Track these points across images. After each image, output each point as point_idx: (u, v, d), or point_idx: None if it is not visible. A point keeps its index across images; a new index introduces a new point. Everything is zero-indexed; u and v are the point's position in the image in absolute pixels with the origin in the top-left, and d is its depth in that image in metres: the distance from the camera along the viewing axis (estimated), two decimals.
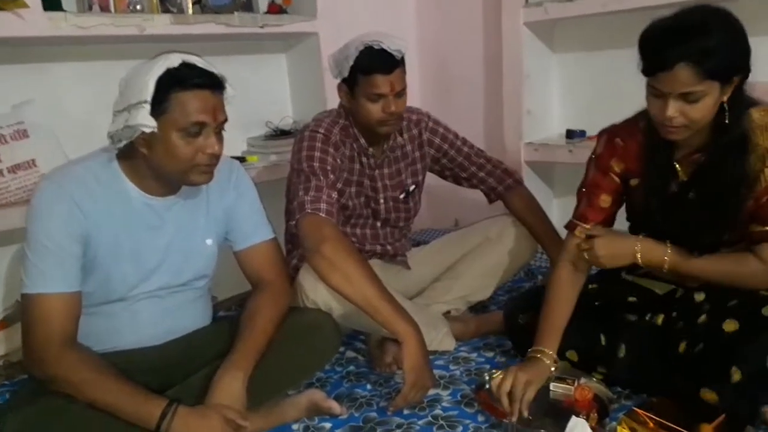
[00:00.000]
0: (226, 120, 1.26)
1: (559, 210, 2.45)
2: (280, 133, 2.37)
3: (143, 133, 1.19)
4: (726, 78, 1.19)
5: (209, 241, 1.40)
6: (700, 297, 1.39)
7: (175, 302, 1.38)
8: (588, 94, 2.41)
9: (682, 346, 1.33)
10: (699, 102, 1.19)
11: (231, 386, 1.24)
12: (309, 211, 1.51)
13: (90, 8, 1.85)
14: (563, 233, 1.85)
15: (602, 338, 1.45)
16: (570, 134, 2.35)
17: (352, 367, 1.66)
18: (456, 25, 2.65)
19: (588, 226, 1.45)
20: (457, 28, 2.64)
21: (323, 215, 1.50)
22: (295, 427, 1.38)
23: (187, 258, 1.37)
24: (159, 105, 1.18)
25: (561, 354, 1.46)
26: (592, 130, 2.31)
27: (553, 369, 1.38)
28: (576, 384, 1.43)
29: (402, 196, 1.82)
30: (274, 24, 2.18)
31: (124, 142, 1.21)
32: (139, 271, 1.30)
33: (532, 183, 2.30)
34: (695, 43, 1.15)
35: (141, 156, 1.24)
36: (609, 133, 1.47)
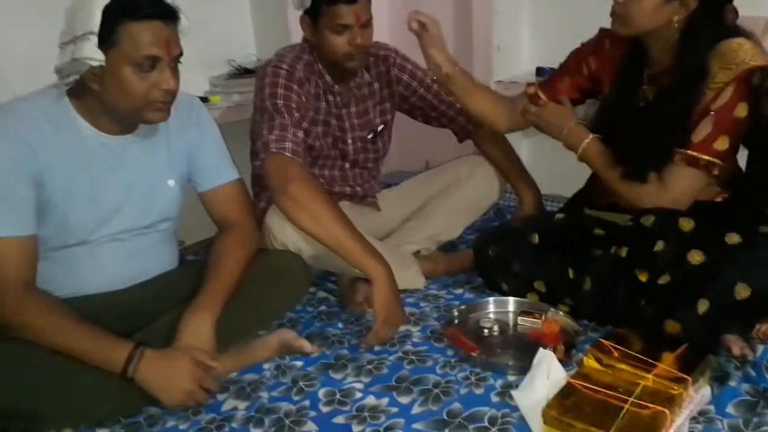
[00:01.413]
0: (181, 53, 1.20)
1: (528, 149, 2.44)
2: (243, 72, 2.28)
3: (92, 67, 1.12)
4: None
5: (171, 182, 1.35)
6: (648, 220, 1.40)
7: (138, 245, 1.34)
8: (559, 31, 2.34)
9: (644, 276, 1.35)
10: None
11: (199, 328, 1.23)
12: (274, 150, 1.47)
13: None
14: (532, 172, 1.87)
15: (570, 272, 1.47)
16: (540, 72, 2.31)
17: (323, 307, 1.66)
18: None
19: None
20: None
21: (289, 154, 1.47)
22: (266, 366, 1.38)
23: (149, 200, 1.32)
24: (107, 37, 1.11)
25: (530, 285, 1.50)
26: None
27: None
28: (543, 317, 1.46)
29: (370, 136, 1.78)
30: None
31: (72, 78, 1.14)
32: (97, 214, 1.26)
33: None
34: None
35: (93, 92, 1.17)
36: (604, 32, 1.51)
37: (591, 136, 1.45)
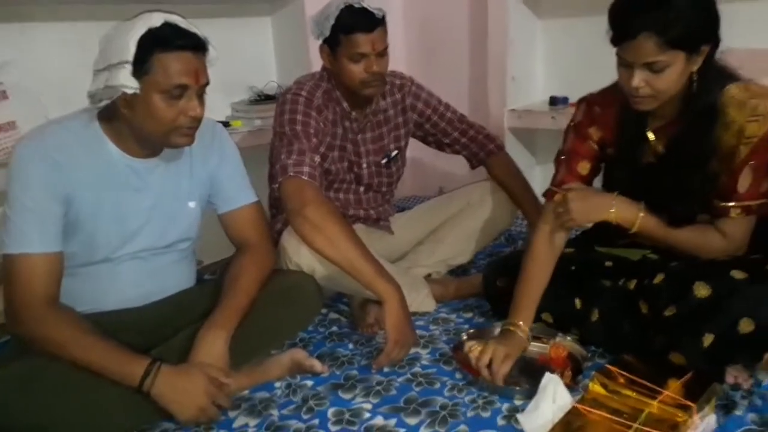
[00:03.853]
0: (208, 83, 1.26)
1: (540, 176, 2.47)
2: (264, 98, 2.37)
3: (124, 93, 1.18)
4: (691, 47, 1.20)
5: (192, 204, 1.41)
6: (653, 257, 1.43)
7: (158, 264, 1.39)
8: (572, 61, 2.41)
9: (644, 307, 1.37)
10: (664, 72, 1.20)
11: (214, 345, 1.27)
12: (292, 174, 1.52)
13: None
14: (543, 199, 1.89)
15: (577, 302, 1.49)
16: (553, 101, 2.37)
17: (334, 328, 1.69)
18: None
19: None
20: None
21: (306, 178, 1.51)
22: (277, 384, 1.41)
23: (171, 221, 1.37)
24: (140, 66, 1.17)
25: (537, 316, 1.49)
26: (576, 97, 2.30)
27: (527, 341, 1.42)
28: (551, 342, 1.48)
29: (384, 161, 1.83)
30: None
31: (104, 102, 1.21)
32: (121, 233, 1.31)
33: (514, 149, 2.32)
34: (657, 12, 1.16)
35: (122, 117, 1.23)
36: (588, 101, 1.49)
37: (642, 204, 1.36)
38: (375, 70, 1.60)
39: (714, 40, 1.23)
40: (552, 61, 2.49)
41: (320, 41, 1.66)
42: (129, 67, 1.16)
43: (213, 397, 1.23)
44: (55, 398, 1.17)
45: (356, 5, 1.57)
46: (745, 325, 1.24)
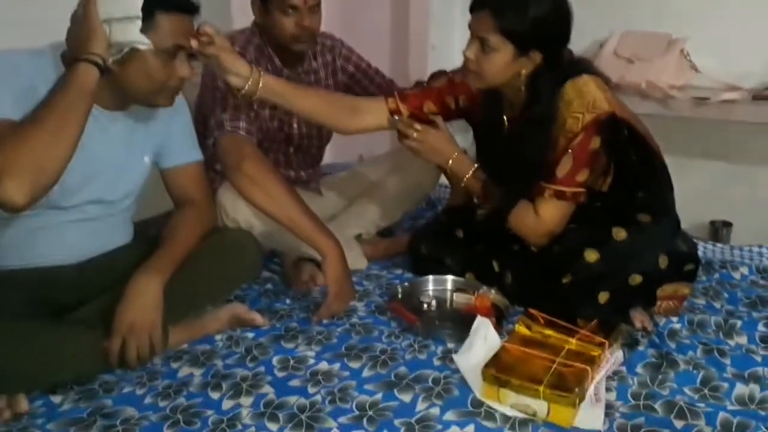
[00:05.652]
0: None
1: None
2: None
3: (137, 50, 1.16)
4: (520, 46, 1.34)
5: (146, 159, 1.39)
6: None
7: (101, 224, 1.36)
8: None
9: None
10: (491, 54, 1.35)
11: (148, 286, 1.26)
12: (229, 129, 1.51)
13: None
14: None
15: (495, 265, 1.62)
16: None
17: (269, 285, 1.70)
18: None
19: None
20: None
21: (243, 134, 1.51)
22: (218, 338, 1.42)
23: (123, 173, 1.35)
24: (144, 23, 1.15)
25: (461, 275, 1.64)
26: None
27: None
28: (476, 294, 1.59)
29: None
30: None
31: (115, 58, 1.17)
32: (76, 178, 1.25)
33: None
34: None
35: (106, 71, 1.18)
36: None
37: (475, 166, 1.52)
38: (306, 24, 1.61)
39: (547, 52, 1.36)
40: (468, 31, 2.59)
41: None
42: (139, 23, 1.15)
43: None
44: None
45: None
46: (634, 279, 1.41)
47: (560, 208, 1.45)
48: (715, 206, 2.18)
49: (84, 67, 1.13)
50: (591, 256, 1.40)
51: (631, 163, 1.48)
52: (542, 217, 1.46)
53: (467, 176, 1.53)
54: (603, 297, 1.42)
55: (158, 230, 1.42)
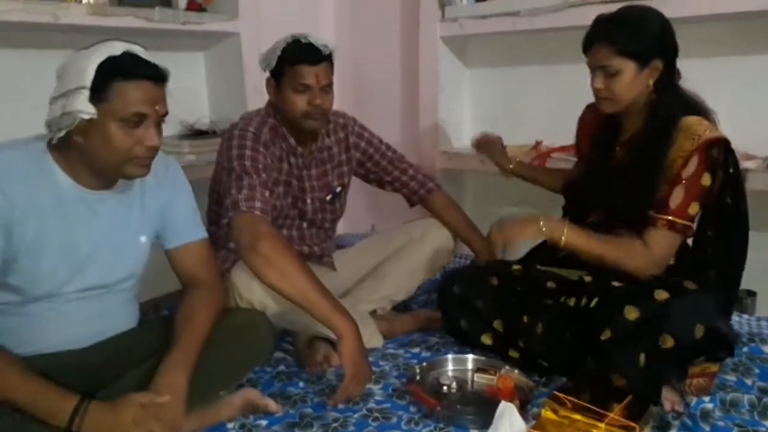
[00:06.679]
0: (167, 113, 1.24)
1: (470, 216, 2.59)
2: (195, 133, 2.33)
3: (81, 120, 1.14)
4: (640, 59, 1.44)
5: (143, 238, 1.36)
6: (588, 278, 1.56)
7: (103, 305, 1.33)
8: (497, 107, 2.57)
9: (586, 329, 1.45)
10: (617, 76, 1.45)
11: (174, 385, 1.21)
12: (244, 209, 1.50)
13: None
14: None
15: (524, 317, 1.58)
16: None
17: (282, 367, 1.66)
18: (374, 35, 2.74)
19: None
20: (376, 38, 2.73)
21: (258, 213, 1.51)
22: (230, 425, 1.36)
23: (120, 255, 1.32)
24: (99, 93, 1.14)
25: (489, 324, 1.61)
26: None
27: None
28: (498, 374, 1.54)
29: (329, 198, 1.86)
30: (195, 22, 2.15)
31: (63, 131, 1.16)
32: (67, 266, 1.24)
33: (445, 189, 2.41)
34: (609, 26, 1.46)
35: (76, 146, 1.19)
36: (587, 107, 1.71)
37: (566, 221, 1.54)
38: (317, 103, 1.63)
39: (664, 57, 1.46)
40: (478, 107, 2.64)
41: (266, 74, 1.68)
42: (86, 93, 1.13)
43: (145, 425, 1.17)
44: None
45: (303, 40, 1.62)
46: (666, 341, 1.35)
47: (671, 239, 1.46)
48: None
49: (67, 407, 1.14)
50: (631, 313, 1.37)
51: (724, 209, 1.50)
52: (653, 248, 1.46)
53: (565, 230, 1.50)
54: (642, 359, 1.36)
55: (169, 310, 1.38)
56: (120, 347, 1.34)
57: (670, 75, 1.48)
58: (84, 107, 1.13)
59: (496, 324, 1.61)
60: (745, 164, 1.90)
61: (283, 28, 2.44)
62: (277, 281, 1.44)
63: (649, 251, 1.46)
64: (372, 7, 2.73)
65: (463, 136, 2.62)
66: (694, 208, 1.45)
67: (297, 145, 1.74)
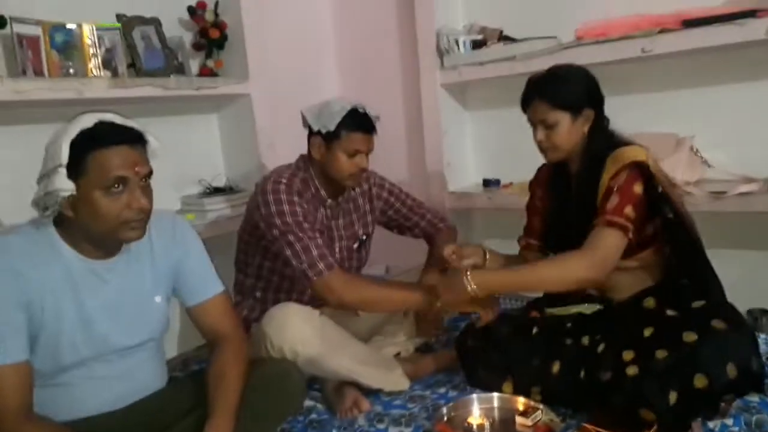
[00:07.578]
0: (150, 172, 1.26)
1: None
2: (213, 190, 2.41)
3: (63, 198, 1.19)
4: (573, 109, 1.57)
5: (158, 299, 1.39)
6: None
7: (129, 364, 1.36)
8: (498, 146, 2.66)
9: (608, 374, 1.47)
10: (555, 128, 1.58)
11: None
12: (314, 279, 1.62)
13: (24, 72, 1.83)
14: None
15: (536, 360, 1.61)
16: (486, 183, 2.58)
17: (313, 416, 1.68)
18: (378, 85, 2.84)
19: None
20: (379, 88, 2.83)
21: (326, 273, 1.62)
22: None
23: (138, 318, 1.35)
24: (76, 167, 1.18)
25: (505, 373, 1.63)
26: (505, 179, 2.55)
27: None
28: (532, 419, 1.52)
29: (355, 246, 1.93)
30: (209, 86, 2.25)
31: (50, 210, 1.21)
32: (86, 337, 1.28)
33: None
34: (545, 83, 1.60)
35: (69, 221, 1.23)
36: (540, 168, 1.85)
37: (493, 269, 1.67)
38: (363, 166, 1.77)
39: (593, 105, 1.59)
40: (480, 148, 2.72)
41: (313, 132, 1.77)
42: (63, 171, 1.17)
43: None
44: None
45: (360, 109, 1.75)
46: (699, 381, 1.38)
47: (610, 236, 1.49)
48: (748, 295, 2.16)
49: None
50: (661, 354, 1.41)
51: (676, 238, 1.57)
52: (593, 247, 1.49)
53: (488, 278, 1.54)
54: (672, 397, 1.37)
55: (199, 365, 1.41)
56: (152, 408, 1.38)
57: (600, 121, 1.62)
58: (63, 185, 1.17)
59: (506, 387, 1.63)
60: (745, 188, 1.97)
61: (291, 85, 2.57)
62: (372, 310, 1.79)
63: (589, 251, 1.49)
64: (374, 58, 2.85)
65: (467, 176, 2.70)
66: (629, 211, 1.49)
67: (327, 197, 1.83)
